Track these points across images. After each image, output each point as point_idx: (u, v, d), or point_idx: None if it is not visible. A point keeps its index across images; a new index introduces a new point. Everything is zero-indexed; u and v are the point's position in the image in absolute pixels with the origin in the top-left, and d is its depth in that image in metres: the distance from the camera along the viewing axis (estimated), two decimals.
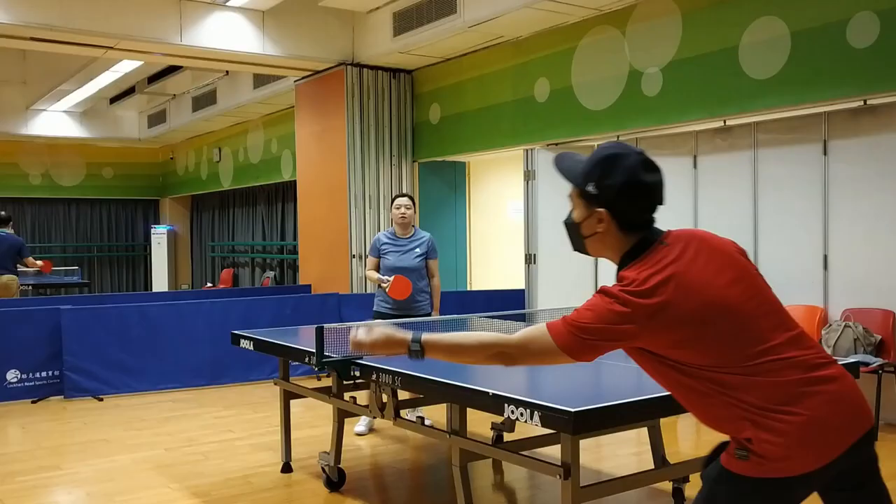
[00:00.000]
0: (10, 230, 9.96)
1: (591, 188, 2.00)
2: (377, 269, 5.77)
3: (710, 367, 1.91)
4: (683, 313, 1.89)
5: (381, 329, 2.17)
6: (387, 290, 5.50)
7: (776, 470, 1.85)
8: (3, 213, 10.15)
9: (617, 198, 1.97)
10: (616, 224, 2.00)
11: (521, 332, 2.05)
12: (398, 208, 5.77)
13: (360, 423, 5.72)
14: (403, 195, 5.90)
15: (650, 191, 1.99)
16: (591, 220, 2.03)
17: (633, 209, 2.00)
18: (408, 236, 5.79)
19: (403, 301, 5.60)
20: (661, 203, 2.02)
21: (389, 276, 5.59)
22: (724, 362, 1.90)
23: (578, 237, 2.09)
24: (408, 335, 2.14)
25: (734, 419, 1.90)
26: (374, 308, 5.82)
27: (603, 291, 1.95)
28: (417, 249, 5.75)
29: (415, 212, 5.85)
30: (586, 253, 2.12)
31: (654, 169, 2.00)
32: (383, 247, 5.78)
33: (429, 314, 5.74)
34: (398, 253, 5.72)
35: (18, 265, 9.81)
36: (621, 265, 2.03)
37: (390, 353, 2.18)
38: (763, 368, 1.88)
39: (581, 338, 1.94)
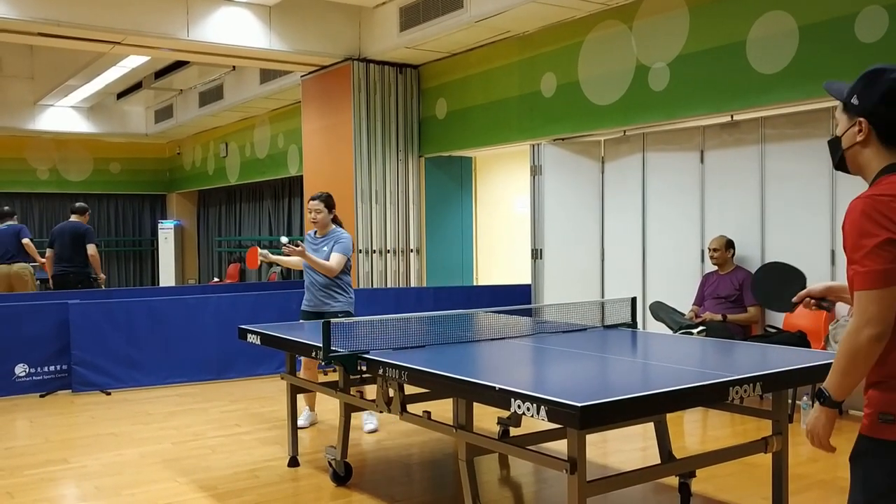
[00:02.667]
0: (14, 222, 9.89)
1: (853, 100, 2.11)
2: None
3: None
4: None
5: (812, 425, 2.11)
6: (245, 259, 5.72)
7: None
8: (6, 207, 10.13)
9: (875, 105, 2.06)
10: (874, 134, 2.08)
11: (854, 313, 2.00)
12: (309, 212, 5.78)
13: (369, 422, 5.74)
14: (315, 197, 5.79)
15: None
16: (851, 131, 2.11)
17: (891, 117, 2.06)
18: (323, 236, 5.77)
19: (312, 298, 5.73)
20: None
21: (305, 275, 5.77)
22: None
23: (838, 150, 2.18)
24: (818, 402, 2.08)
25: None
26: (302, 306, 5.89)
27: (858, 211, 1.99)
28: (325, 248, 5.70)
29: (330, 211, 5.76)
30: (845, 169, 2.19)
31: None
32: (307, 246, 5.77)
33: (347, 313, 5.65)
34: (312, 251, 5.74)
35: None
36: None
37: (824, 427, 2.10)
38: None
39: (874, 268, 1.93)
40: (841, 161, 2.19)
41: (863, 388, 2.07)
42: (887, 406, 1.98)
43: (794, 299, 2.46)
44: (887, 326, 1.93)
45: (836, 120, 2.20)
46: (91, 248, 9.43)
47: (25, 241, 9.58)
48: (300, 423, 5.68)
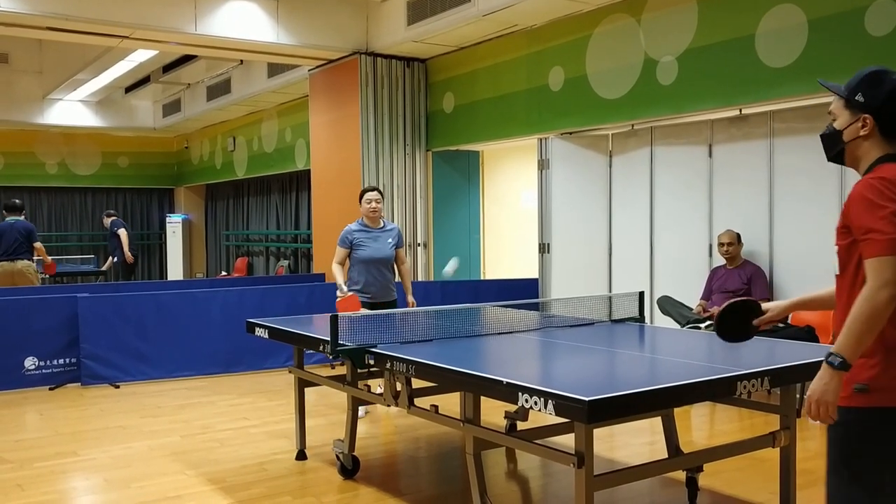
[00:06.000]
0: (21, 217, 10.09)
1: (858, 97, 2.29)
2: (345, 260, 5.89)
3: None
4: None
5: (817, 389, 2.18)
6: (337, 300, 5.61)
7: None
8: (17, 201, 10.34)
9: (883, 104, 2.26)
10: (878, 129, 2.28)
11: (869, 279, 2.14)
12: (368, 202, 5.88)
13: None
14: (373, 189, 5.99)
15: None
16: (854, 126, 2.30)
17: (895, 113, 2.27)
18: (379, 227, 5.93)
19: (378, 290, 5.85)
20: None
21: (363, 269, 5.81)
22: None
23: (838, 144, 2.36)
24: (829, 368, 2.16)
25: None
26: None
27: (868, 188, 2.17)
28: (390, 240, 5.93)
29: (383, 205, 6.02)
30: (841, 161, 2.39)
31: None
32: (357, 237, 5.86)
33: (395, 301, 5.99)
34: (373, 243, 5.86)
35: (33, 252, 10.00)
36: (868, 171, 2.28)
37: (834, 392, 2.17)
38: None
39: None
40: (838, 154, 2.39)
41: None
42: (861, 376, 2.18)
43: (756, 322, 2.64)
44: None
45: (834, 114, 2.36)
46: None
47: (38, 245, 10.11)
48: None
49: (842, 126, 2.34)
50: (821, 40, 5.76)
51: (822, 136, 2.42)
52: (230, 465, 4.81)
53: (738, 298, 2.74)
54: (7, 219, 10.03)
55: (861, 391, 2.17)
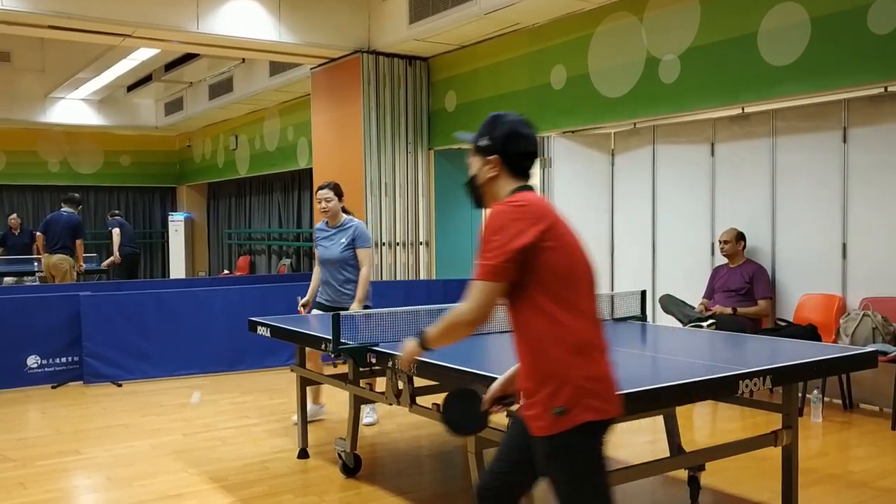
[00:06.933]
0: (73, 210, 10.18)
1: (483, 141, 2.43)
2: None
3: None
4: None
5: (404, 347, 2.62)
6: (297, 309, 5.64)
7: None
8: (76, 194, 10.50)
9: (503, 144, 2.40)
10: (506, 168, 2.41)
11: (466, 298, 2.31)
12: (319, 202, 5.55)
13: (368, 415, 5.74)
14: (323, 186, 5.57)
15: (527, 139, 2.44)
16: (484, 169, 2.43)
17: (516, 153, 2.42)
18: (336, 226, 5.57)
19: (331, 293, 5.54)
20: (536, 154, 2.46)
21: (321, 270, 5.62)
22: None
23: (476, 189, 2.48)
24: (416, 340, 2.54)
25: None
26: (316, 299, 5.74)
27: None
28: (343, 240, 5.51)
29: (340, 200, 5.57)
30: (483, 206, 2.49)
31: (530, 126, 2.47)
32: (317, 236, 5.64)
33: (366, 306, 5.46)
34: (326, 243, 5.58)
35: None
36: None
37: (414, 357, 2.62)
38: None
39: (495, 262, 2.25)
40: (479, 199, 2.50)
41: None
42: (556, 401, 2.24)
43: (485, 406, 2.60)
44: (488, 318, 2.27)
45: (469, 164, 2.49)
46: None
47: (79, 241, 10.40)
48: (366, 420, 5.66)
49: (475, 171, 2.46)
50: (823, 38, 5.74)
51: (465, 184, 2.52)
52: (232, 463, 4.81)
53: (454, 392, 2.62)
54: (62, 209, 10.10)
55: (561, 413, 2.23)
